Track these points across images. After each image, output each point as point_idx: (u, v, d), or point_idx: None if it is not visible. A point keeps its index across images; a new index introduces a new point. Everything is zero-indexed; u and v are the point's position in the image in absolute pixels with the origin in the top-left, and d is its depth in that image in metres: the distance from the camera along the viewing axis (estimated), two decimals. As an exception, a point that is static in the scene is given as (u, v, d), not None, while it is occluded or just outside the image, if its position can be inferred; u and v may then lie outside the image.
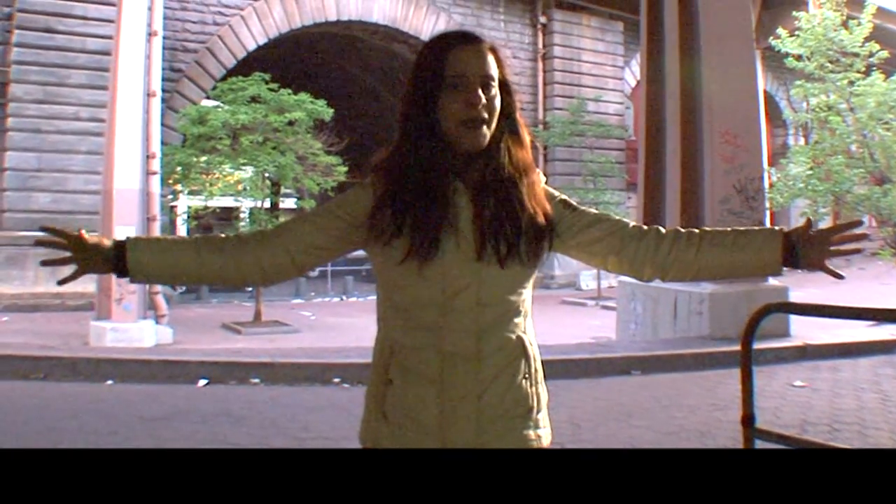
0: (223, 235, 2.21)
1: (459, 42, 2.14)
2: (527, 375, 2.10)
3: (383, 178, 2.13)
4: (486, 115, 2.08)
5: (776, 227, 2.19)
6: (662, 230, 2.20)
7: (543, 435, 2.14)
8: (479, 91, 2.07)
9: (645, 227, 2.21)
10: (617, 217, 2.23)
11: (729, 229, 2.21)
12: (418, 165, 2.09)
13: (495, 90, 2.12)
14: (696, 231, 2.20)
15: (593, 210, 2.26)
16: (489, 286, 2.05)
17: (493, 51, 2.17)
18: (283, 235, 2.17)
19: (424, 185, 2.06)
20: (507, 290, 2.08)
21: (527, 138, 2.21)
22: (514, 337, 2.10)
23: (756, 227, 2.22)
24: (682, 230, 2.21)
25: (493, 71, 2.12)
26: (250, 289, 25.30)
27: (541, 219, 2.11)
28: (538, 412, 2.13)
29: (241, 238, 2.20)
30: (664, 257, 2.17)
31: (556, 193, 2.24)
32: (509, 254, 2.05)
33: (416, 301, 2.06)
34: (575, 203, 2.23)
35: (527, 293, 2.15)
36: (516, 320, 2.11)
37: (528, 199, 2.11)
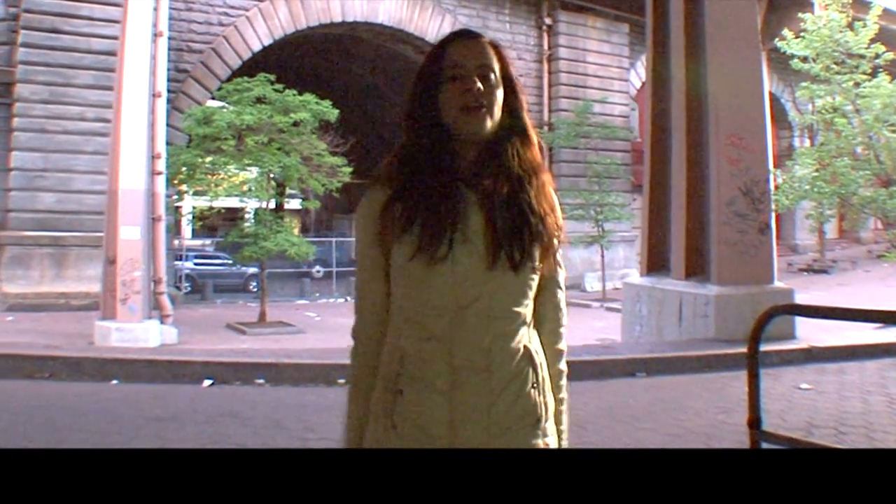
0: (368, 372, 2.21)
1: (458, 37, 2.18)
2: (535, 385, 2.09)
3: (395, 174, 2.13)
4: (484, 102, 2.08)
5: None
6: (558, 375, 2.24)
7: (551, 443, 2.14)
8: (477, 79, 2.08)
9: (558, 359, 2.24)
10: (560, 326, 2.25)
11: (562, 424, 2.24)
12: (425, 161, 2.10)
13: (495, 81, 2.12)
14: (560, 394, 2.23)
15: (562, 293, 2.26)
16: (500, 297, 2.04)
17: (495, 47, 2.17)
18: (377, 304, 2.19)
19: (433, 185, 2.06)
20: (516, 301, 2.07)
21: (535, 139, 2.20)
22: (522, 347, 2.08)
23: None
24: (560, 383, 2.25)
25: (493, 63, 2.13)
26: (255, 289, 25.41)
27: (551, 220, 2.10)
28: (546, 420, 2.12)
29: (371, 352, 2.20)
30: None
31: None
32: (522, 259, 2.04)
33: (426, 311, 2.04)
34: (560, 278, 2.23)
35: (532, 302, 2.14)
36: (524, 330, 2.10)
37: (538, 201, 2.10)
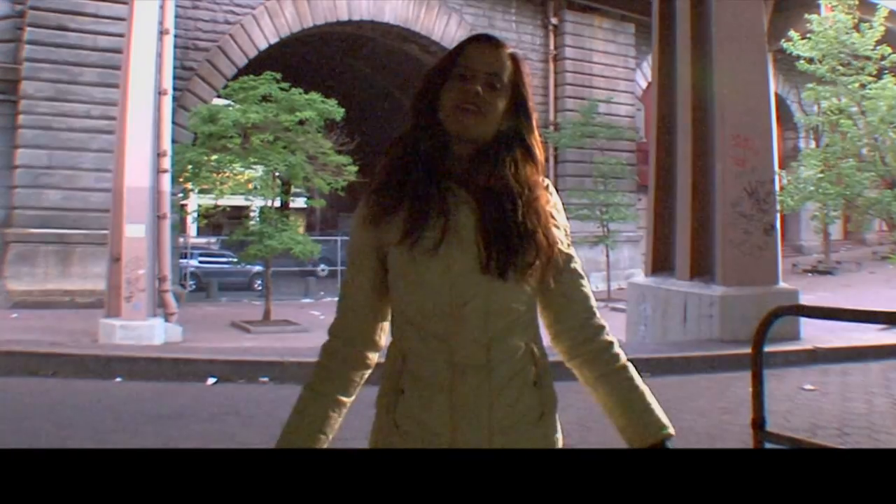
0: (336, 372, 2.24)
1: (477, 41, 2.18)
2: (536, 381, 2.09)
3: (388, 161, 2.17)
4: (479, 105, 2.08)
5: (664, 430, 2.17)
6: (607, 346, 2.18)
7: (555, 440, 2.14)
8: (479, 84, 2.08)
9: (599, 333, 2.19)
10: (590, 304, 2.21)
11: (640, 386, 2.18)
12: (417, 153, 2.12)
13: (500, 89, 2.11)
14: (620, 362, 2.17)
15: (583, 280, 2.23)
16: (496, 296, 2.04)
17: (515, 59, 2.17)
18: (359, 306, 2.20)
19: (422, 174, 2.09)
20: (513, 299, 2.06)
21: (539, 157, 2.19)
22: (522, 344, 2.08)
23: (654, 411, 2.18)
24: (614, 352, 2.18)
25: (504, 72, 2.13)
26: (260, 287, 25.44)
27: (539, 235, 2.09)
28: (549, 417, 2.12)
29: (347, 360, 2.22)
30: (578, 355, 2.18)
31: (567, 244, 2.22)
32: (508, 266, 2.04)
33: (425, 311, 2.05)
34: (575, 266, 2.21)
35: (533, 300, 2.14)
36: (524, 327, 2.10)
37: (527, 214, 2.09)
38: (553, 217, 2.15)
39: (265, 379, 9.62)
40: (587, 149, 27.21)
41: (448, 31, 26.31)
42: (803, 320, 11.28)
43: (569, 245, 2.20)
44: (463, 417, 2.02)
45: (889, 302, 17.96)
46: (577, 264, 2.22)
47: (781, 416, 7.57)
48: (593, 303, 2.23)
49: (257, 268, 25.66)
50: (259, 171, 19.80)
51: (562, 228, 2.18)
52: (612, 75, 29.63)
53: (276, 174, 18.65)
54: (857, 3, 23.98)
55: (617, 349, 2.19)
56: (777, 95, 30.59)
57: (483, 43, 2.16)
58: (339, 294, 2.27)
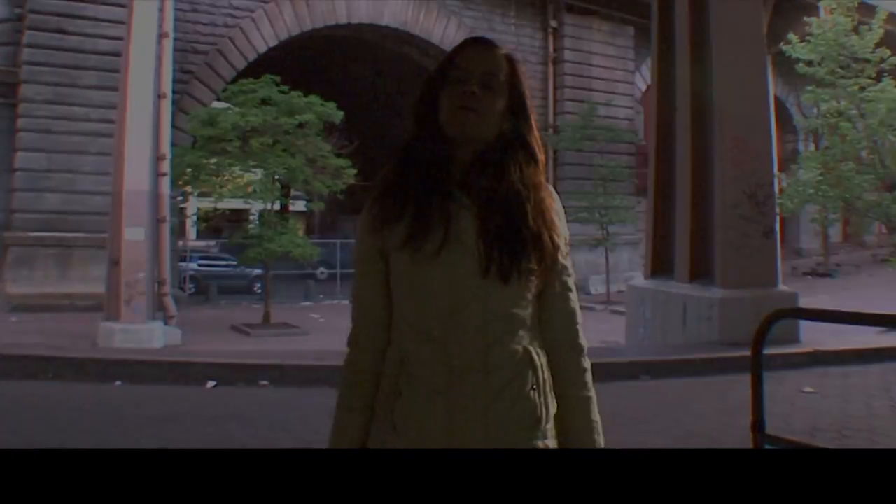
0: (363, 384, 2.21)
1: (471, 43, 2.20)
2: (535, 386, 2.09)
3: (392, 171, 2.18)
4: (476, 106, 2.09)
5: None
6: (581, 372, 2.20)
7: (552, 445, 2.14)
8: (475, 85, 2.09)
9: (577, 354, 2.20)
10: (576, 321, 2.21)
11: (590, 424, 2.22)
12: (420, 159, 2.13)
13: (496, 89, 2.13)
14: (584, 392, 2.19)
15: (572, 295, 2.23)
16: (495, 300, 2.05)
17: (510, 60, 2.19)
18: (373, 312, 2.20)
19: (425, 181, 2.10)
20: (514, 304, 2.07)
21: (540, 157, 2.21)
22: (520, 349, 2.09)
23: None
24: (584, 380, 2.20)
25: (500, 72, 2.14)
26: (259, 290, 25.42)
27: (546, 238, 2.10)
28: (546, 423, 2.12)
29: (365, 360, 2.22)
30: (552, 371, 2.17)
31: (565, 254, 2.22)
32: (512, 271, 2.04)
33: (423, 314, 2.06)
34: (567, 279, 2.21)
35: (533, 305, 2.14)
36: (523, 332, 2.10)
37: (534, 217, 2.10)
38: (556, 223, 2.16)
39: (265, 382, 9.62)
40: (586, 151, 27.16)
41: (447, 33, 26.28)
42: (803, 323, 11.27)
43: (566, 255, 2.20)
44: (459, 420, 2.03)
45: (888, 304, 17.94)
46: (571, 279, 2.23)
47: (781, 418, 7.55)
48: (579, 319, 2.23)
49: (257, 271, 25.62)
50: (258, 174, 19.79)
51: (562, 237, 2.18)
52: (612, 78, 29.61)
53: (276, 177, 18.66)
54: (856, 5, 23.99)
55: (587, 378, 2.21)
56: (776, 98, 30.54)
57: (477, 46, 2.19)
58: (352, 302, 2.28)
